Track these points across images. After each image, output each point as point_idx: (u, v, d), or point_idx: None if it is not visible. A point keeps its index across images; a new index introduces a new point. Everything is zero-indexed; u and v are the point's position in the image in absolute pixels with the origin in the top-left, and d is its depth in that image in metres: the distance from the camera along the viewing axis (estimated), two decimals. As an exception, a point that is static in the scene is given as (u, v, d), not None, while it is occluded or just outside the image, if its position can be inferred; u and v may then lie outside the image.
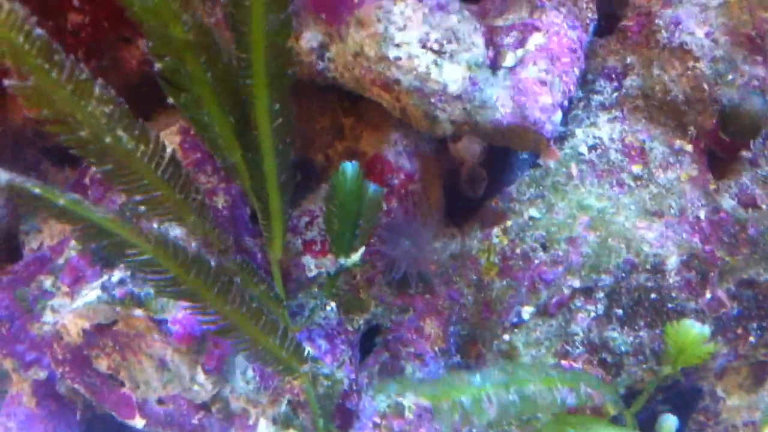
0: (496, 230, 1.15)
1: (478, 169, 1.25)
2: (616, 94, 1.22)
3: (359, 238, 1.00)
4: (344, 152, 1.23)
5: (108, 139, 0.76)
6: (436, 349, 1.12)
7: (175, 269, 0.84)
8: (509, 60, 1.12)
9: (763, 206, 1.16)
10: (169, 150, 0.83)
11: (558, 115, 1.08)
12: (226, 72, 0.87)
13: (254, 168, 0.97)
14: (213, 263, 0.87)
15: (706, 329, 0.94)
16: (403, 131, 1.22)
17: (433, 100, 1.03)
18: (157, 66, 0.82)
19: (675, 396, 1.12)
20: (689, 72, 1.17)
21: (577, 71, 1.14)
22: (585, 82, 1.27)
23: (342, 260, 1.00)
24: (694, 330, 0.93)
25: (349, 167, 0.99)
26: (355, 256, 1.00)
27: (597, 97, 1.24)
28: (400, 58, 1.02)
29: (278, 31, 0.88)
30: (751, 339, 1.10)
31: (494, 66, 1.13)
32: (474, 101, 1.03)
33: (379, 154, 1.21)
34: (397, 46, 1.02)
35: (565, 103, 1.12)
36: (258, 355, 0.94)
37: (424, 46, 1.02)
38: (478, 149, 1.26)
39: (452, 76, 1.02)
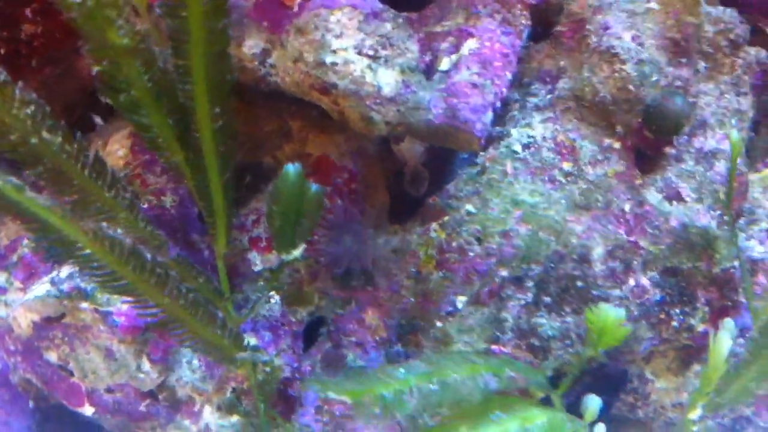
0: (434, 225, 1.21)
1: (420, 169, 1.31)
2: (550, 96, 1.28)
3: (300, 235, 1.05)
4: (291, 154, 1.28)
5: (34, 141, 0.82)
6: (377, 338, 1.18)
7: (113, 263, 0.89)
8: (444, 64, 1.19)
9: (687, 199, 1.23)
10: (93, 150, 0.88)
11: (488, 116, 1.14)
12: (163, 76, 0.93)
13: (197, 168, 1.02)
14: (149, 258, 0.93)
15: (622, 312, 0.99)
16: (347, 134, 1.28)
17: (368, 103, 1.09)
18: (95, 69, 0.88)
19: (602, 379, 1.17)
20: (616, 74, 1.23)
21: (509, 74, 1.20)
22: (521, 86, 1.34)
23: (283, 256, 1.05)
24: (611, 313, 0.99)
25: (292, 169, 1.04)
26: (296, 252, 1.05)
27: (533, 99, 1.30)
28: (336, 64, 1.08)
29: (217, 38, 0.94)
30: (674, 323, 1.16)
31: (431, 70, 1.19)
32: (407, 103, 1.09)
33: (325, 155, 1.27)
34: (334, 52, 1.08)
35: (498, 104, 1.18)
36: (198, 345, 1.00)
37: (359, 52, 1.08)
38: (420, 150, 1.33)
39: (386, 79, 1.09)
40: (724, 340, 0.99)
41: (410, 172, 1.31)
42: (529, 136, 1.25)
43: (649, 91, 1.21)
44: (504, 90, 1.19)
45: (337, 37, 1.08)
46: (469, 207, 1.21)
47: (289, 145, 1.29)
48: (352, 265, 1.17)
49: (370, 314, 1.19)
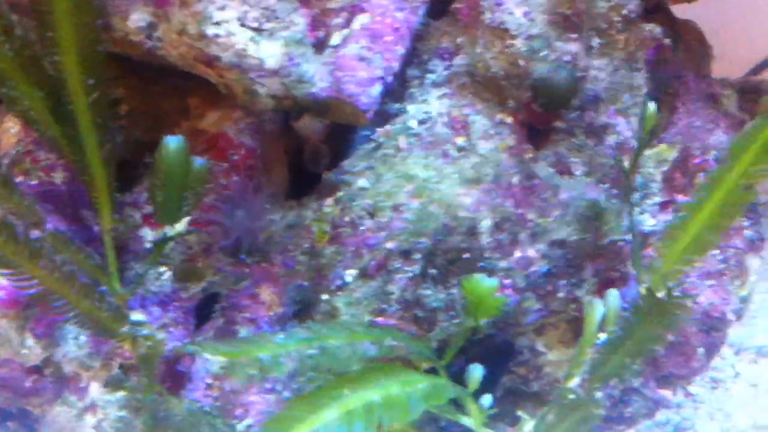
0: (328, 201, 1.22)
1: (319, 146, 1.32)
2: (446, 73, 1.29)
3: (184, 209, 1.06)
4: (189, 131, 1.28)
5: None
6: (272, 314, 1.19)
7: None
8: (335, 39, 1.19)
9: (577, 173, 1.25)
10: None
11: (376, 89, 1.15)
12: (27, 47, 0.92)
13: (75, 143, 1.02)
14: (21, 231, 0.92)
15: (495, 282, 1.01)
16: (246, 110, 1.28)
17: (251, 76, 1.09)
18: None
19: (490, 350, 1.19)
20: (507, 50, 1.25)
21: (401, 49, 1.21)
22: (421, 62, 1.35)
23: (166, 230, 1.06)
24: (485, 284, 1.01)
25: (172, 141, 1.04)
26: (180, 226, 1.06)
27: (431, 76, 1.31)
28: (219, 36, 1.08)
29: (85, 9, 0.94)
30: (561, 295, 1.18)
31: (323, 45, 1.20)
32: (291, 76, 1.10)
33: (222, 131, 1.27)
34: (217, 24, 1.08)
35: (389, 78, 1.19)
36: (77, 319, 1.00)
37: (242, 24, 1.09)
38: (320, 127, 1.33)
39: (270, 52, 1.09)
40: (595, 311, 1.01)
41: (310, 148, 1.32)
42: (424, 112, 1.27)
43: (538, 66, 1.23)
44: (396, 65, 1.20)
45: (220, 9, 1.08)
46: (363, 182, 1.22)
47: (187, 122, 1.29)
48: (244, 240, 1.18)
49: (264, 290, 1.19)
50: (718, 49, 1.75)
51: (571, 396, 1.02)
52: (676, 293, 1.00)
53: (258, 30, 1.08)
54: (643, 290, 1.06)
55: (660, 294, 1.01)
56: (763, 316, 1.79)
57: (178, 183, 1.03)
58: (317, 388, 0.93)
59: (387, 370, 0.99)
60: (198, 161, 1.05)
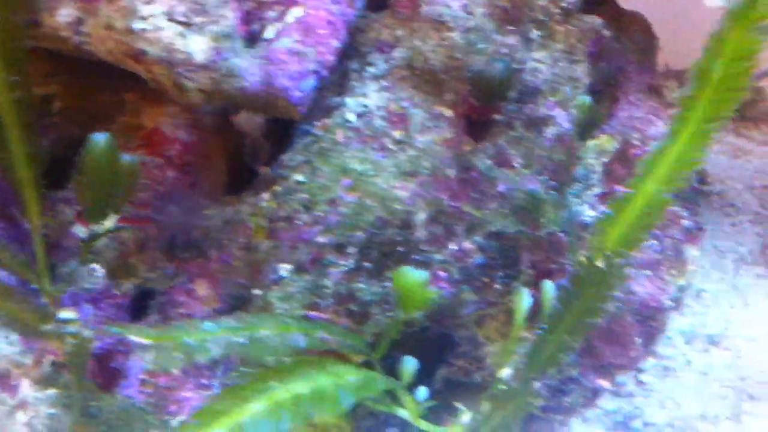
0: (265, 195, 1.21)
1: (259, 141, 1.32)
2: (386, 66, 1.29)
3: (112, 206, 1.05)
4: (125, 126, 1.27)
5: None
6: (208, 309, 1.18)
7: None
8: (268, 33, 1.18)
9: (516, 165, 1.25)
10: None
11: (308, 83, 1.15)
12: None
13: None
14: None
15: (424, 274, 1.02)
16: (183, 105, 1.27)
17: (179, 70, 1.08)
18: None
19: (428, 343, 1.20)
20: (444, 42, 1.25)
21: (336, 43, 1.21)
22: (361, 55, 1.34)
23: (94, 227, 1.05)
24: (413, 275, 1.01)
25: (98, 138, 1.04)
26: (108, 223, 1.05)
27: (371, 69, 1.31)
28: (146, 30, 1.08)
29: (5, 4, 0.93)
30: (497, 287, 1.19)
31: (256, 39, 1.19)
32: (220, 70, 1.10)
33: (158, 127, 1.26)
34: (143, 18, 1.07)
35: (324, 72, 1.19)
36: (1, 319, 0.99)
37: (170, 19, 1.08)
38: (259, 122, 1.33)
39: (198, 46, 1.08)
40: (522, 300, 1.02)
41: (249, 144, 1.32)
42: (363, 105, 1.26)
43: (475, 59, 1.23)
44: (331, 58, 1.19)
45: (147, 3, 1.07)
46: (300, 176, 1.22)
47: (123, 118, 1.28)
48: (179, 236, 1.17)
49: (200, 286, 1.19)
50: (670, 40, 1.77)
51: (502, 386, 1.03)
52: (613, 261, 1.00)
53: (186, 24, 1.07)
54: (581, 259, 1.07)
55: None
56: (714, 306, 1.81)
57: (105, 180, 1.02)
58: (245, 381, 0.93)
59: (317, 362, 0.98)
60: (126, 157, 1.05)
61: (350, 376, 0.98)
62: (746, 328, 1.75)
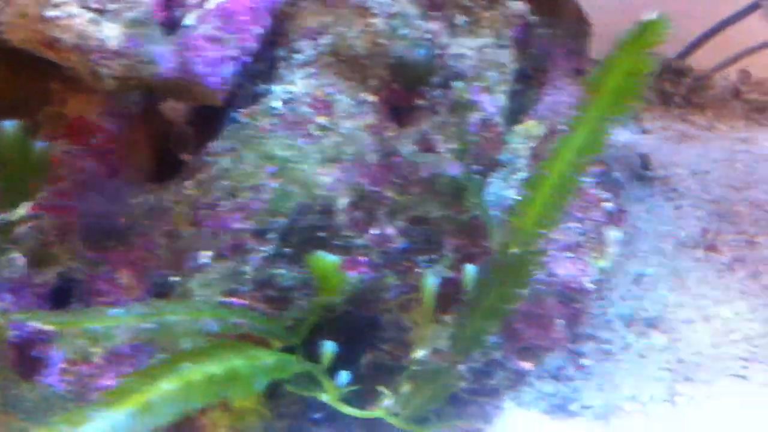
0: (189, 183, 1.21)
1: (186, 129, 1.32)
2: (313, 53, 1.29)
3: (24, 193, 1.05)
4: (51, 116, 1.27)
5: None
6: (132, 298, 1.18)
7: None
8: (189, 19, 1.18)
9: (440, 149, 1.26)
10: None
11: (227, 69, 1.15)
12: None
13: None
14: None
15: (336, 258, 1.03)
16: (107, 94, 1.27)
17: (93, 57, 1.08)
18: None
19: (351, 327, 1.21)
20: (368, 28, 1.26)
21: (258, 29, 1.21)
22: (289, 42, 1.34)
23: (6, 215, 1.05)
24: (327, 260, 1.02)
25: (8, 126, 1.04)
26: (21, 211, 1.05)
27: (298, 56, 1.31)
28: (59, 18, 1.07)
29: None
30: (420, 271, 1.20)
31: (176, 25, 1.19)
32: (135, 57, 1.10)
33: (81, 115, 1.26)
34: (56, 6, 1.07)
35: (245, 58, 1.19)
36: None
37: (83, 6, 1.08)
38: (185, 110, 1.33)
39: (112, 33, 1.08)
40: (429, 282, 1.04)
41: (176, 132, 1.32)
42: (289, 92, 1.27)
43: (398, 45, 1.24)
44: (253, 44, 1.20)
45: (60, -9, 1.07)
46: (224, 163, 1.22)
47: (48, 107, 1.28)
48: (101, 224, 1.17)
49: (124, 274, 1.19)
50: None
51: (415, 368, 1.04)
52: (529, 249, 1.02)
53: (100, 11, 1.07)
54: (496, 246, 1.09)
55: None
56: (653, 289, 1.84)
57: (17, 168, 1.02)
58: (157, 362, 0.93)
59: (232, 345, 0.99)
60: (39, 145, 1.05)
61: (265, 358, 0.99)
62: (684, 311, 1.78)
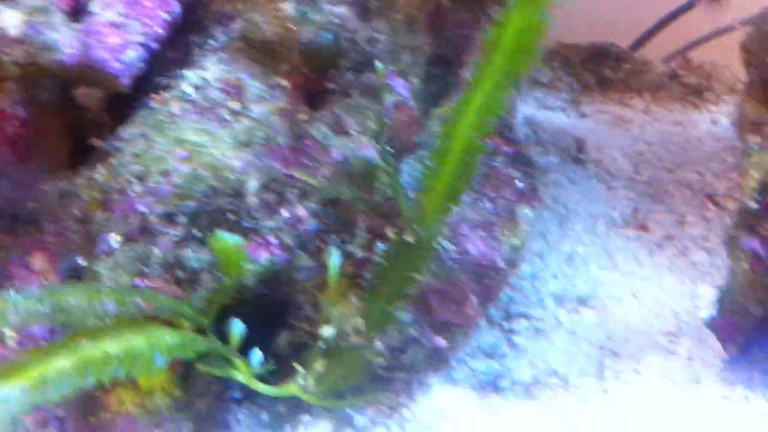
0: (101, 168, 1.22)
1: (100, 116, 1.33)
2: (225, 38, 1.31)
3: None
4: (-37, 104, 1.27)
5: None
6: (45, 282, 1.19)
7: None
8: (94, 6, 1.20)
9: (352, 132, 1.28)
10: None
11: (129, 55, 1.17)
12: None
13: None
14: None
15: (237, 238, 1.04)
16: (21, 82, 1.27)
17: (-5, 45, 1.09)
18: None
19: (265, 308, 1.23)
20: (278, 13, 1.27)
21: (165, 15, 1.22)
22: (203, 28, 1.36)
23: None
24: (228, 240, 1.04)
25: None
26: (-75, 196, 1.06)
27: (211, 42, 1.33)
28: (-43, 6, 1.08)
29: None
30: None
31: (81, 12, 1.20)
32: (35, 43, 1.11)
33: (-6, 104, 1.26)
34: (-46, -6, 1.08)
35: (152, 45, 1.20)
36: None
37: (-17, -6, 1.09)
38: (99, 96, 1.34)
39: (12, 21, 1.09)
40: (333, 258, 1.06)
41: (90, 118, 1.33)
42: (201, 78, 1.28)
43: (307, 29, 1.25)
44: (159, 30, 1.21)
45: (-42, -21, 1.08)
46: (135, 148, 1.23)
47: (-40, 96, 1.28)
48: (12, 210, 1.18)
49: (36, 258, 1.20)
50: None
51: (323, 345, 1.06)
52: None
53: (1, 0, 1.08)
54: (392, 234, 1.11)
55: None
56: (584, 268, 1.87)
57: None
58: (54, 340, 0.95)
59: (132, 324, 1.01)
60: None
61: (167, 337, 1.00)
62: (613, 288, 1.82)
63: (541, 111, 2.26)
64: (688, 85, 2.43)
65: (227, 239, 1.03)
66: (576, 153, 2.07)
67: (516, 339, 1.72)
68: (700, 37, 2.42)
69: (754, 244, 1.16)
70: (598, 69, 2.44)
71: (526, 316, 1.77)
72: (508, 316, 1.78)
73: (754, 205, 1.16)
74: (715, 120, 2.24)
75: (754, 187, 1.16)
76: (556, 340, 1.71)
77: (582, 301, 1.77)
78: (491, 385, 1.57)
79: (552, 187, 2.05)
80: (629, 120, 2.24)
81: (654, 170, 2.06)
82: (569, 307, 1.78)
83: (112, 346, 0.95)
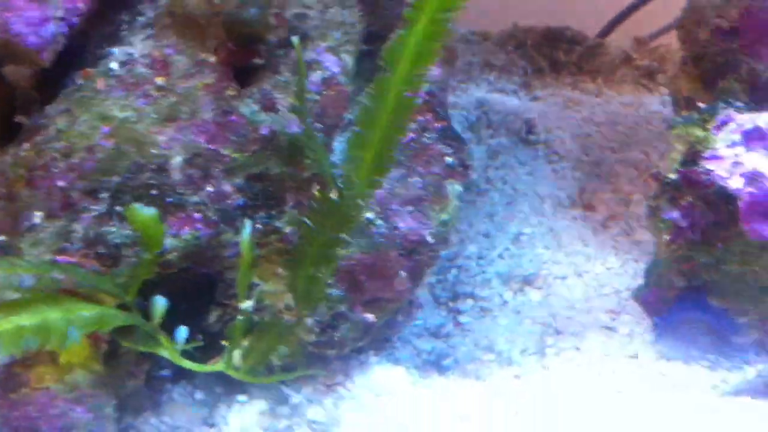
0: (26, 145, 1.21)
1: (29, 93, 1.31)
2: (153, 14, 1.30)
3: None
4: None
5: None
6: (-31, 260, 1.18)
7: None
8: (17, -18, 1.18)
9: (281, 108, 1.28)
10: None
11: (49, 29, 1.15)
12: None
13: None
14: None
15: (154, 210, 1.04)
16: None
17: None
18: None
19: (193, 284, 1.22)
20: (203, -14, 1.27)
21: (87, -11, 1.21)
22: (132, 5, 1.35)
23: None
24: (143, 212, 1.03)
25: None
26: None
27: (140, 19, 1.31)
28: None
29: None
30: (259, 227, 1.22)
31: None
32: (-49, 17, 1.09)
33: None
34: None
35: (74, 19, 1.19)
36: None
37: None
38: (27, 73, 1.32)
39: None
40: (246, 233, 1.06)
41: (19, 95, 1.31)
42: (127, 54, 1.27)
43: (229, 3, 1.25)
44: (80, 5, 1.20)
45: None
46: (60, 125, 1.22)
47: None
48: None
49: (-39, 237, 1.19)
50: None
51: (241, 318, 1.06)
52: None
53: None
54: (317, 193, 1.12)
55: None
56: (530, 247, 1.89)
57: None
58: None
59: (48, 299, 1.00)
60: None
61: (83, 311, 1.00)
62: (558, 267, 1.83)
63: (493, 94, 2.26)
64: (641, 68, 2.45)
65: (143, 211, 1.03)
66: (525, 135, 2.08)
67: (462, 318, 1.73)
68: (666, 24, 2.42)
69: (675, 215, 1.17)
70: (552, 52, 2.45)
71: (473, 296, 1.78)
72: (455, 296, 1.79)
73: (675, 177, 1.17)
74: (664, 101, 2.26)
75: (676, 158, 1.17)
76: (500, 319, 1.72)
77: (527, 280, 1.79)
78: (434, 364, 1.58)
79: (501, 168, 2.07)
80: (580, 102, 2.25)
81: (601, 151, 2.07)
82: (515, 286, 1.80)
83: (25, 318, 0.95)
